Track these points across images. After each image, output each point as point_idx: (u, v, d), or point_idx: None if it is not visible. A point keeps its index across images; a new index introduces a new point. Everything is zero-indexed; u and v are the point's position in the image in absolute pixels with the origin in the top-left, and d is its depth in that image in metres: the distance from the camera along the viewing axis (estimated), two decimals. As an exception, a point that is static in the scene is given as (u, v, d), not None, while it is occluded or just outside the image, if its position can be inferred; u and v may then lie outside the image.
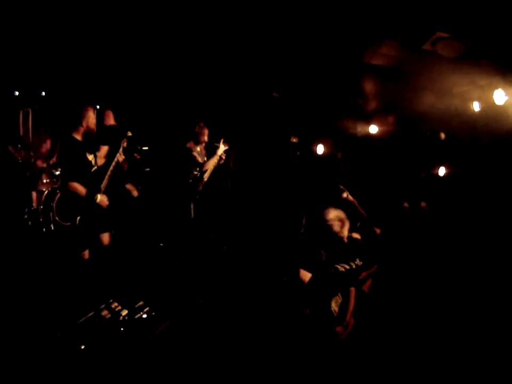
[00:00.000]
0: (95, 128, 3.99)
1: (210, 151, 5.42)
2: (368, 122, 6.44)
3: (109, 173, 4.07)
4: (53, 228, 5.81)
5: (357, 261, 3.58)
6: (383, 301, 4.21)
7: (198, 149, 5.35)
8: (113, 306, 3.80)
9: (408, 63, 4.98)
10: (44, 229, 5.85)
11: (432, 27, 4.21)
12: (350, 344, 3.52)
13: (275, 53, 5.40)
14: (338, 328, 3.51)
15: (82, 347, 3.16)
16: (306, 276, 3.46)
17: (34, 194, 6.26)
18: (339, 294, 3.58)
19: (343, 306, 3.58)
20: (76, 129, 3.87)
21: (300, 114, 6.85)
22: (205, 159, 5.43)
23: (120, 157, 4.20)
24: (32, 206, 6.16)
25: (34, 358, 3.14)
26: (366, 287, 4.20)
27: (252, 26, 4.80)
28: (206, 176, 5.31)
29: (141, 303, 3.92)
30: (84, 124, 3.87)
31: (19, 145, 6.78)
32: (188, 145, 5.28)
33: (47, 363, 3.07)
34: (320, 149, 6.65)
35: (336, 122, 6.46)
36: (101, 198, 3.96)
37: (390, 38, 4.69)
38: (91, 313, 3.65)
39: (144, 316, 3.67)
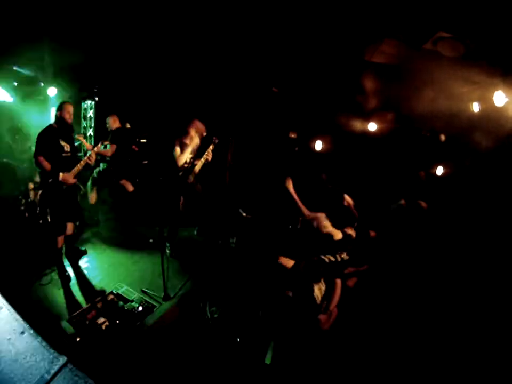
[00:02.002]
0: (68, 120, 4.54)
1: (207, 145, 5.41)
2: (367, 120, 6.43)
3: (82, 162, 4.50)
4: (49, 220, 5.79)
5: (343, 255, 3.61)
6: (370, 297, 4.24)
7: (194, 141, 5.32)
8: (109, 298, 3.83)
9: (409, 61, 4.96)
10: (41, 221, 5.82)
11: (434, 26, 4.20)
12: (333, 334, 3.58)
13: (276, 48, 5.38)
14: (322, 317, 3.55)
15: (78, 339, 3.18)
16: (288, 262, 3.50)
17: (31, 186, 6.23)
18: (322, 281, 3.61)
19: (327, 295, 3.61)
20: (54, 121, 4.55)
21: (299, 109, 6.83)
22: (196, 151, 5.42)
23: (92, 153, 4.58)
24: (29, 198, 6.13)
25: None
26: (351, 282, 4.23)
27: (253, 21, 4.78)
28: (196, 169, 5.28)
29: (136, 295, 3.94)
30: (59, 115, 4.50)
31: (17, 136, 6.75)
32: (178, 139, 5.26)
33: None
34: (318, 145, 6.65)
35: (335, 119, 6.45)
36: (63, 176, 4.36)
37: (391, 36, 4.67)
38: (87, 305, 3.67)
39: (140, 308, 3.70)
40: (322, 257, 3.51)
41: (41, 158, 4.31)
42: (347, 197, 4.40)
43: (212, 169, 5.49)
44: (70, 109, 4.58)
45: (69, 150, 4.60)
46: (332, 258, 3.50)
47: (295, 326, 3.43)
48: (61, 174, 4.35)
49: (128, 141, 6.12)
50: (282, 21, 4.70)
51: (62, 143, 4.51)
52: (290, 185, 4.41)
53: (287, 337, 3.42)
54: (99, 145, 4.80)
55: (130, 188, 6.34)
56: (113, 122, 6.14)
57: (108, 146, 5.77)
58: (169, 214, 5.37)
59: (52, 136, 4.43)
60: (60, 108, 4.55)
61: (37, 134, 4.44)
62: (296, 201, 4.27)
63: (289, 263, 3.48)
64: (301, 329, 3.41)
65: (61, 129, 4.52)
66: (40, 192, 4.47)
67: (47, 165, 4.33)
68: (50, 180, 4.34)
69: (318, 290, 3.54)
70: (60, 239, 4.60)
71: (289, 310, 3.47)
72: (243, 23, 4.86)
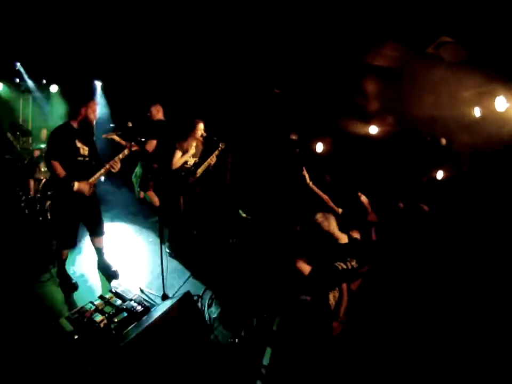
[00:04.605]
0: (93, 120, 4.00)
1: (209, 145, 5.41)
2: (368, 123, 6.44)
3: (103, 170, 3.94)
4: (49, 217, 5.79)
5: (353, 263, 3.61)
6: (370, 300, 4.25)
7: (193, 143, 5.32)
8: (107, 297, 3.82)
9: (410, 65, 4.97)
10: (40, 218, 5.82)
11: (436, 31, 4.21)
12: (343, 338, 3.60)
13: (278, 49, 5.39)
14: (334, 323, 3.57)
15: (76, 337, 3.18)
16: (305, 267, 3.49)
17: (31, 182, 6.23)
18: (337, 289, 3.62)
19: (338, 302, 3.63)
20: (74, 117, 3.91)
21: (300, 111, 6.84)
22: (200, 153, 5.43)
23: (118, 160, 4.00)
24: (29, 195, 6.13)
25: (28, 347, 3.14)
26: (354, 285, 4.25)
27: (255, 22, 4.78)
28: (199, 171, 5.29)
29: (134, 294, 3.94)
30: (83, 112, 3.88)
31: (18, 133, 6.74)
32: (180, 140, 5.24)
33: (41, 352, 3.08)
34: (319, 147, 6.66)
35: (336, 121, 6.45)
36: (79, 186, 3.78)
37: (394, 39, 4.69)
38: (85, 303, 3.67)
39: (138, 307, 3.70)
40: (336, 264, 3.51)
41: (54, 163, 3.71)
42: (363, 197, 4.45)
43: (212, 170, 5.50)
44: (95, 106, 3.98)
45: (86, 153, 3.98)
46: (344, 266, 3.51)
47: (308, 330, 3.43)
48: (76, 184, 3.75)
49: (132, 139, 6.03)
50: (284, 23, 4.71)
51: (79, 144, 3.90)
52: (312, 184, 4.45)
53: (292, 340, 3.43)
54: (132, 144, 4.15)
55: (156, 202, 6.14)
56: (156, 113, 5.73)
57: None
58: (170, 214, 5.36)
59: (68, 136, 3.81)
60: (84, 103, 3.90)
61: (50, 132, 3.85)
62: (324, 198, 4.28)
63: (306, 269, 3.47)
64: (314, 334, 3.42)
65: (80, 128, 3.92)
66: (49, 203, 3.90)
67: (60, 171, 3.73)
68: (62, 189, 3.76)
69: (333, 298, 3.55)
70: (65, 252, 4.14)
71: (304, 315, 3.47)
72: (245, 24, 4.87)
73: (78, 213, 4.02)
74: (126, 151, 4.08)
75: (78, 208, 3.96)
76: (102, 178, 4.44)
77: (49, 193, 3.95)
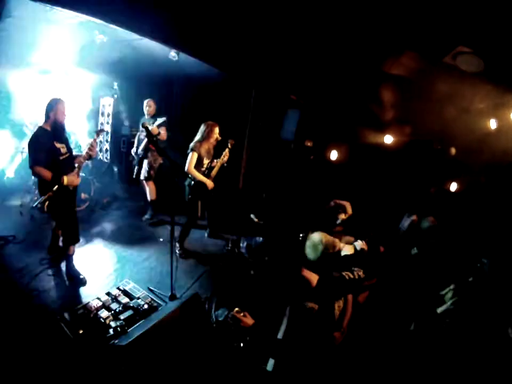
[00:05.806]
0: (63, 120, 4.21)
1: (221, 148, 5.42)
2: (383, 132, 6.38)
3: (85, 155, 4.22)
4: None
5: (360, 273, 3.57)
6: (376, 312, 4.19)
7: (207, 147, 5.32)
8: (114, 293, 3.84)
9: (427, 74, 4.94)
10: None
11: (454, 40, 4.18)
12: (344, 349, 3.55)
13: (295, 55, 5.40)
14: (336, 334, 3.51)
15: (81, 331, 3.20)
16: (312, 276, 3.45)
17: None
18: (342, 299, 3.57)
19: (342, 312, 3.57)
20: (45, 121, 4.11)
21: (316, 118, 6.81)
22: (212, 156, 5.44)
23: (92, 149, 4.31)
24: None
25: (32, 341, 3.16)
26: (361, 298, 4.19)
27: (271, 28, 4.80)
28: (213, 173, 5.29)
29: (142, 293, 3.95)
30: (52, 117, 4.08)
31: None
32: (192, 144, 5.25)
33: (46, 346, 3.10)
34: (334, 155, 6.61)
35: (351, 129, 6.41)
36: (68, 179, 4.04)
37: (411, 48, 4.66)
38: (92, 299, 3.69)
39: (145, 306, 3.70)
40: (343, 274, 3.47)
41: (38, 168, 3.91)
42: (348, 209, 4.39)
43: (225, 173, 5.50)
44: (63, 107, 4.17)
45: (65, 150, 4.26)
46: (351, 276, 3.46)
47: (310, 340, 3.38)
48: (65, 178, 4.00)
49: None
50: (302, 30, 4.73)
51: (58, 145, 4.15)
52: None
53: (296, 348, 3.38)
54: (95, 137, 4.44)
55: (154, 195, 6.32)
56: (154, 107, 6.41)
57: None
58: (187, 217, 5.34)
59: (46, 141, 4.04)
60: (52, 108, 4.10)
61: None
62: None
63: (314, 278, 3.42)
64: (316, 344, 3.36)
65: (54, 129, 4.14)
66: (47, 203, 3.92)
67: (47, 174, 3.94)
68: (54, 188, 3.95)
69: (338, 308, 3.50)
70: (72, 248, 4.41)
71: (309, 323, 3.41)
72: (262, 31, 4.89)
73: (73, 205, 4.43)
74: (95, 137, 4.44)
75: (72, 200, 4.36)
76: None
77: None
